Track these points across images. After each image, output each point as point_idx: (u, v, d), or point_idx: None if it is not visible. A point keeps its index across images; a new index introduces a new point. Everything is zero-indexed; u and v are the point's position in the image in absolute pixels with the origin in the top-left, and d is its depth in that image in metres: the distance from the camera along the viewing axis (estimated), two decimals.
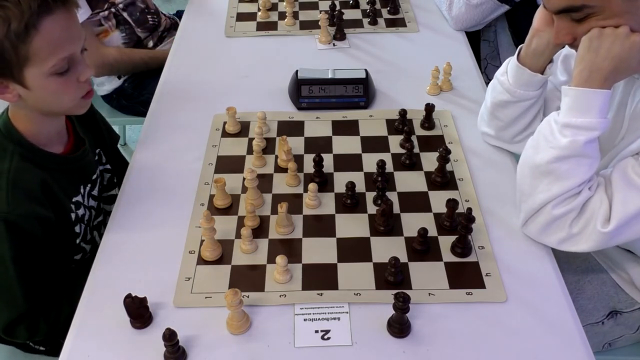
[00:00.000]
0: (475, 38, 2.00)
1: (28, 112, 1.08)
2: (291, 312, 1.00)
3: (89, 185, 1.23)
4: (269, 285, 1.04)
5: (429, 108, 1.37)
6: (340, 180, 1.23)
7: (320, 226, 1.15)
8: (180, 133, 1.40)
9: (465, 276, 1.05)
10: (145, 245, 1.13)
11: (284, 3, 1.81)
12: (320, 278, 1.05)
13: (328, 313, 1.00)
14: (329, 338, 0.96)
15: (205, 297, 1.02)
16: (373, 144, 1.35)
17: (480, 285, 1.03)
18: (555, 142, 1.00)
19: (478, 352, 0.94)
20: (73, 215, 1.17)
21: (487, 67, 2.06)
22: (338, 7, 1.80)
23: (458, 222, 1.08)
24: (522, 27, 1.85)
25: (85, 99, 1.12)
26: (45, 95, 1.05)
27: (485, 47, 2.07)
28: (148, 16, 2.10)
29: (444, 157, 1.21)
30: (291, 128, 1.40)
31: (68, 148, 1.19)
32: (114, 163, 1.36)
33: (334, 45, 1.71)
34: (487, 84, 2.00)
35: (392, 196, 1.20)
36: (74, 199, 1.18)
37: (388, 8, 1.84)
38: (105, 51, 1.96)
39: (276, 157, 1.31)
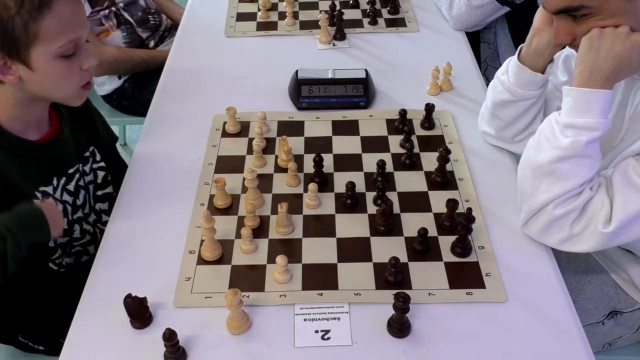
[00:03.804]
0: (474, 40, 2.00)
1: (10, 96, 1.07)
2: (291, 312, 1.00)
3: (64, 178, 1.20)
4: (269, 285, 1.04)
5: (429, 108, 1.37)
6: (340, 180, 1.23)
7: (320, 226, 1.15)
8: (180, 133, 1.40)
9: (465, 276, 1.05)
10: (145, 245, 1.13)
11: (284, 3, 1.81)
12: (320, 278, 1.05)
13: (328, 313, 1.00)
14: (329, 338, 0.96)
15: (205, 297, 1.02)
16: (373, 144, 1.34)
17: (480, 285, 1.03)
18: (557, 143, 1.00)
19: (478, 352, 0.94)
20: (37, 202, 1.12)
21: (487, 69, 2.06)
22: (338, 7, 1.80)
23: (458, 222, 1.08)
24: (522, 29, 1.86)
25: (84, 90, 1.12)
26: (48, 78, 1.05)
27: (485, 49, 2.07)
28: (149, 16, 2.10)
29: (444, 157, 1.21)
30: (291, 128, 1.40)
31: (45, 138, 1.17)
32: (111, 163, 1.35)
33: (334, 45, 1.71)
34: (487, 85, 2.00)
35: (392, 196, 1.20)
36: (42, 188, 1.15)
37: (388, 8, 1.84)
38: (104, 49, 1.96)
39: (276, 157, 1.31)
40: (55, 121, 1.20)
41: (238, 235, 1.12)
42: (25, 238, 0.99)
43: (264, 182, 1.24)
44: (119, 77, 2.07)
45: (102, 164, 1.31)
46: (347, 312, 1.00)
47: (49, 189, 1.17)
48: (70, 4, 1.02)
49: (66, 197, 1.21)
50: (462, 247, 1.08)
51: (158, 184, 1.26)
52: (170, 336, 0.90)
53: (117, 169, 1.36)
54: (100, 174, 1.31)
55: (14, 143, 1.10)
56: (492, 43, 2.04)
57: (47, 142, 1.16)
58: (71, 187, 1.22)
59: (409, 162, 1.28)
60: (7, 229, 0.97)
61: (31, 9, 0.96)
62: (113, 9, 1.99)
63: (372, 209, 1.18)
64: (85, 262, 1.28)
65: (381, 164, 1.20)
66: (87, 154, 1.27)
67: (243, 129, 1.39)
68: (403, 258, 1.07)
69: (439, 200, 1.19)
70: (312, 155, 1.23)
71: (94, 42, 1.93)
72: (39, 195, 1.15)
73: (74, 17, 1.03)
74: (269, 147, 1.34)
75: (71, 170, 1.22)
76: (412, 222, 1.15)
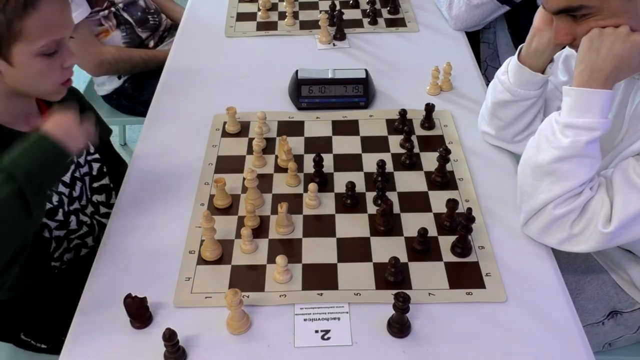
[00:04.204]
0: (474, 40, 2.00)
1: None
2: (291, 312, 1.00)
3: None
4: (269, 285, 1.04)
5: (429, 108, 1.37)
6: (340, 180, 1.23)
7: (320, 226, 1.15)
8: (180, 133, 1.40)
9: (465, 276, 1.05)
10: (145, 245, 1.13)
11: (284, 3, 1.81)
12: (320, 278, 1.05)
13: (328, 313, 1.00)
14: (329, 338, 0.96)
15: (205, 297, 1.02)
16: (373, 144, 1.34)
17: (480, 285, 1.03)
18: (557, 143, 1.00)
19: (478, 352, 0.94)
20: None
21: (487, 69, 2.06)
22: (338, 7, 1.80)
23: (458, 222, 1.08)
24: (522, 29, 1.86)
25: (64, 86, 1.11)
26: (28, 74, 1.04)
27: (484, 49, 2.07)
28: (149, 16, 2.10)
29: (444, 157, 1.21)
30: (291, 128, 1.40)
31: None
32: (106, 155, 1.34)
33: (334, 45, 1.71)
34: (487, 85, 1.99)
35: (392, 196, 1.20)
36: None
37: (388, 8, 1.84)
38: (104, 49, 1.96)
39: (276, 157, 1.31)
40: (47, 114, 1.18)
41: (238, 235, 1.12)
42: (38, 167, 0.95)
43: (264, 182, 1.24)
44: (119, 77, 2.07)
45: (97, 155, 1.30)
46: (347, 312, 1.00)
47: None
48: (57, 5, 1.01)
49: (62, 188, 1.21)
50: (462, 247, 1.08)
51: (158, 183, 1.26)
52: (170, 336, 0.90)
53: (112, 161, 1.35)
54: (95, 165, 1.30)
55: (4, 134, 1.09)
56: (491, 43, 2.04)
57: None
58: (66, 178, 1.21)
59: (409, 162, 1.28)
60: (13, 165, 0.94)
61: (16, 8, 0.95)
62: (112, 9, 1.99)
63: (372, 209, 1.18)
64: (85, 256, 1.27)
65: (381, 164, 1.20)
66: None
67: (243, 129, 1.39)
68: (403, 258, 1.07)
69: (439, 200, 1.19)
70: (312, 155, 1.23)
71: (94, 44, 1.93)
72: None
73: (59, 18, 1.03)
74: (269, 147, 1.34)
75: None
76: (412, 222, 1.15)
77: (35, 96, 1.14)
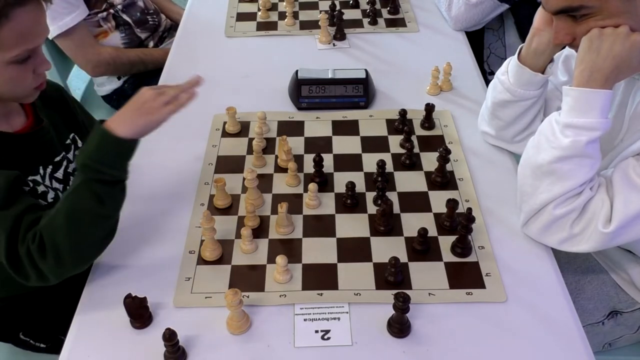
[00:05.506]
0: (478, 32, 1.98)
1: None
2: (291, 312, 1.00)
3: (50, 167, 1.18)
4: (269, 285, 1.04)
5: (429, 108, 1.37)
6: (340, 180, 1.23)
7: (320, 226, 1.15)
8: (180, 133, 1.40)
9: (465, 276, 1.05)
10: (145, 245, 1.13)
11: (284, 3, 1.81)
12: (320, 278, 1.05)
13: (328, 313, 1.00)
14: (329, 338, 0.96)
15: (205, 297, 1.02)
16: (373, 144, 1.34)
17: (480, 285, 1.03)
18: (557, 143, 1.00)
19: (478, 352, 0.94)
20: (27, 189, 1.11)
21: (490, 56, 2.04)
22: (338, 7, 1.80)
23: (458, 222, 1.08)
24: (523, 26, 1.86)
25: (37, 89, 1.09)
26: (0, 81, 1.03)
27: (488, 36, 2.04)
28: (148, 17, 2.10)
29: (444, 157, 1.21)
30: (291, 128, 1.40)
31: (25, 129, 1.15)
32: None
33: (334, 45, 1.71)
34: (488, 74, 1.98)
35: (392, 196, 1.20)
36: (30, 178, 1.13)
37: (388, 8, 1.85)
38: (102, 50, 1.95)
39: (276, 157, 1.31)
40: (31, 111, 1.18)
41: (238, 235, 1.12)
42: (97, 160, 1.01)
43: (264, 182, 1.24)
44: (119, 78, 2.07)
45: None
46: (347, 312, 1.00)
47: (37, 178, 1.15)
48: (31, 13, 0.98)
49: (56, 184, 1.20)
50: (462, 247, 1.08)
51: (158, 183, 1.26)
52: (170, 336, 0.90)
53: None
54: None
55: None
56: (496, 29, 2.02)
57: (28, 133, 1.14)
58: (59, 174, 1.20)
59: (409, 162, 1.28)
60: (81, 160, 1.01)
61: None
62: (111, 10, 1.98)
63: (372, 209, 1.18)
64: None
65: (381, 164, 1.20)
66: (69, 141, 1.25)
67: (243, 129, 1.39)
68: (403, 258, 1.07)
69: (439, 200, 1.19)
70: (312, 155, 1.23)
71: (91, 44, 1.92)
72: (30, 183, 1.13)
73: (34, 27, 1.00)
74: (269, 147, 1.34)
75: (57, 159, 1.20)
76: (412, 222, 1.15)
77: (9, 100, 1.12)
